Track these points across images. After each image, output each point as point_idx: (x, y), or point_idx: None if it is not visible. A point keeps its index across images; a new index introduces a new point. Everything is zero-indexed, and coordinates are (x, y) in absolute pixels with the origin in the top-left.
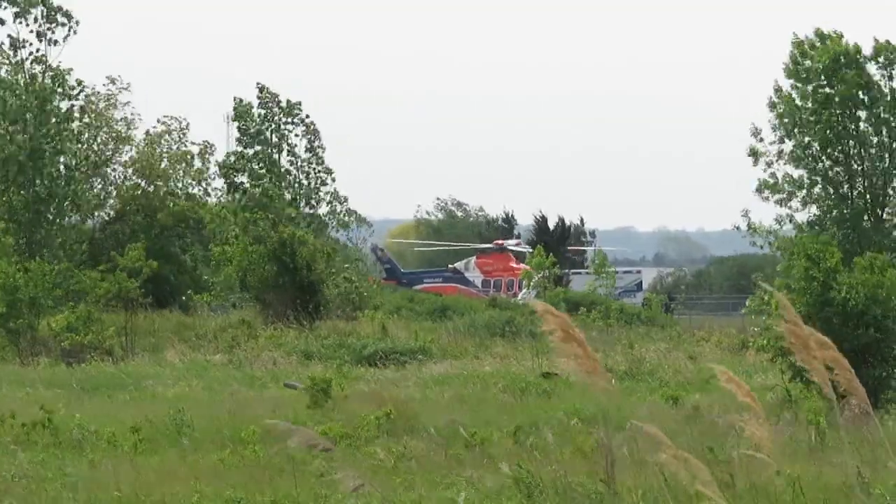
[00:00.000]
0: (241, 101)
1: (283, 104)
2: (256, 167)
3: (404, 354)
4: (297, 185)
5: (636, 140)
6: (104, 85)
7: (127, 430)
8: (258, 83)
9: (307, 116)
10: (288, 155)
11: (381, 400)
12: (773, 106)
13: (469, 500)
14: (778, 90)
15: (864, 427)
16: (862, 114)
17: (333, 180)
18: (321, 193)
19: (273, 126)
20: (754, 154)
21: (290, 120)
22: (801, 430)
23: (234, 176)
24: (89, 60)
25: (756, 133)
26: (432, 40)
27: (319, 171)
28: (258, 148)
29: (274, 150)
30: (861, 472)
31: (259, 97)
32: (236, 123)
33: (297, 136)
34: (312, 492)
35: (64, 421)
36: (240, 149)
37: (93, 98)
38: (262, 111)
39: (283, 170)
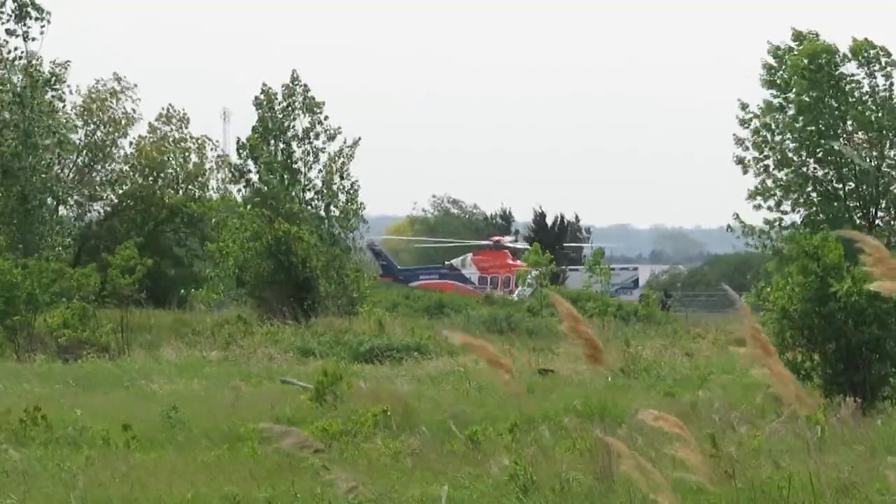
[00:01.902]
0: (268, 88)
1: (309, 98)
2: (269, 160)
3: (401, 351)
4: (314, 184)
5: (636, 140)
6: (110, 80)
7: (121, 426)
8: (293, 70)
9: (326, 118)
10: (305, 154)
11: (378, 397)
12: (742, 122)
13: (458, 497)
14: (745, 106)
15: (859, 425)
16: (844, 112)
17: (353, 185)
18: (340, 196)
19: (291, 121)
20: (741, 162)
21: (309, 117)
22: (797, 429)
23: (252, 161)
24: (90, 60)
25: (739, 142)
26: (432, 40)
27: (337, 171)
28: (266, 148)
29: (291, 144)
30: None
31: (286, 85)
32: (258, 112)
33: (315, 134)
34: (310, 490)
35: (60, 417)
36: (257, 136)
37: (93, 93)
38: (284, 103)
39: (295, 166)
